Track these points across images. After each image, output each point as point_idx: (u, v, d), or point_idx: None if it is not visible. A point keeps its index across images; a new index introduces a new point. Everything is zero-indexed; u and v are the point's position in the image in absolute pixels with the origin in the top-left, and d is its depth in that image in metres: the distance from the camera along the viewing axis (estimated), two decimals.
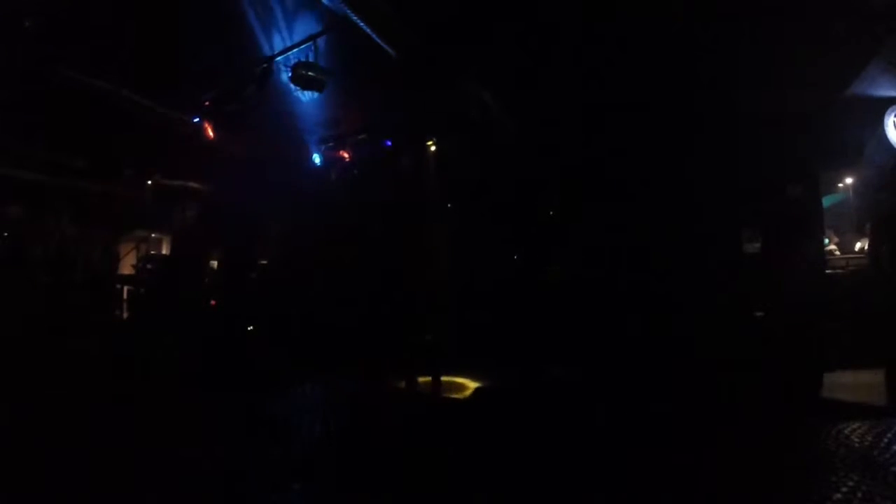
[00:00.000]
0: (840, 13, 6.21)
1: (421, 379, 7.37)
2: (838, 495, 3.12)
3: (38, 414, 5.29)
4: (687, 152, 7.10)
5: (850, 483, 3.27)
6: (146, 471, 3.85)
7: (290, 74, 8.66)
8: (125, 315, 11.40)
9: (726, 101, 6.91)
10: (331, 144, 11.55)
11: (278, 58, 8.95)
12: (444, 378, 7.36)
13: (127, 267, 12.03)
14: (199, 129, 10.48)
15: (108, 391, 6.44)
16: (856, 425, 4.59)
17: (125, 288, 11.60)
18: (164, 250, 14.66)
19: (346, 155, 11.24)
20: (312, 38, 8.45)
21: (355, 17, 7.29)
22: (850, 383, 6.06)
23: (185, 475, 3.79)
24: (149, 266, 11.61)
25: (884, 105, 7.14)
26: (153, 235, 14.27)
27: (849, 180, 10.09)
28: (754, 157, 6.96)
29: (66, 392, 6.19)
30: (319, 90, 8.92)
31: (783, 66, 6.62)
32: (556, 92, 7.81)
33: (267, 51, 8.94)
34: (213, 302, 11.16)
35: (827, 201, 9.32)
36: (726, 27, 6.49)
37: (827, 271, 7.52)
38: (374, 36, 7.55)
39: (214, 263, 13.60)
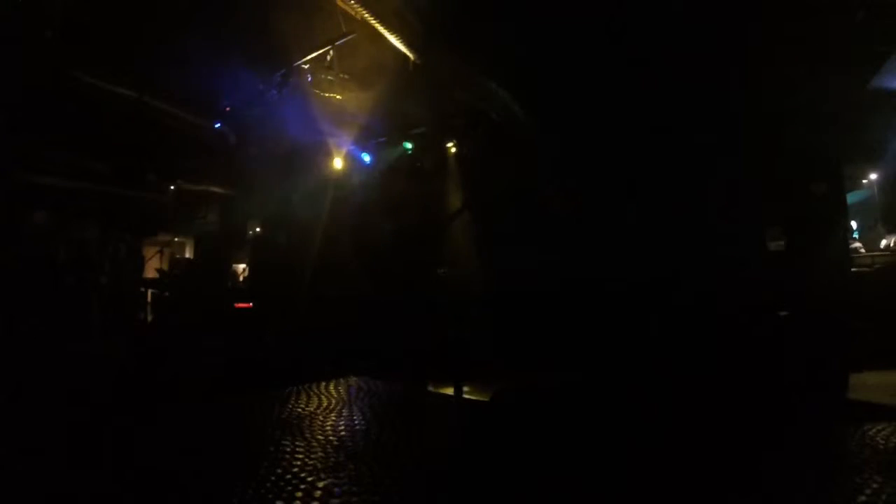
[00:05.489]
0: (860, 6, 6.15)
1: (442, 380, 7.39)
2: (863, 497, 3.09)
3: (59, 415, 5.39)
4: (709, 150, 7.05)
5: (875, 485, 3.24)
6: (169, 472, 3.91)
7: (310, 79, 8.72)
8: (149, 318, 11.55)
9: (748, 99, 6.86)
10: (352, 147, 11.64)
11: (298, 62, 9.01)
12: (465, 378, 7.37)
13: (151, 271, 12.18)
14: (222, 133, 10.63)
15: (133, 394, 6.54)
16: (881, 427, 4.54)
17: (149, 291, 11.75)
18: (188, 254, 14.84)
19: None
20: (332, 41, 8.50)
21: (374, 21, 7.34)
22: (877, 384, 5.99)
23: (207, 474, 3.84)
24: (175, 271, 11.77)
25: None
26: (176, 240, 14.46)
27: (873, 176, 9.95)
28: (777, 155, 6.90)
29: (90, 394, 6.31)
30: (339, 94, 8.99)
31: (805, 61, 6.56)
32: (576, 90, 7.80)
33: (287, 55, 9.00)
34: (237, 305, 11.28)
35: (852, 198, 9.22)
36: (747, 24, 6.44)
37: (852, 269, 7.44)
38: (392, 39, 7.60)
39: (240, 267, 13.78)
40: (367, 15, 7.22)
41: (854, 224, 9.46)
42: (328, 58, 8.68)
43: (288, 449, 4.44)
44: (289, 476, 3.69)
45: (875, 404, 5.27)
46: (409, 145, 11.14)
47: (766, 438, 4.59)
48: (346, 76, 8.96)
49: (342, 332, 9.31)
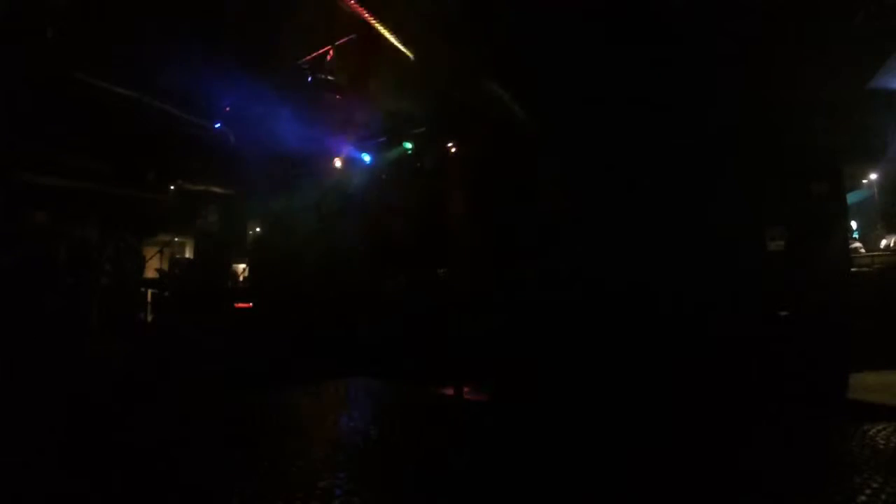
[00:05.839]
0: (860, 5, 6.15)
1: (442, 380, 7.40)
2: (863, 497, 3.09)
3: (59, 416, 5.40)
4: (708, 150, 7.05)
5: (875, 485, 3.24)
6: (170, 471, 3.90)
7: (310, 79, 8.74)
8: (149, 318, 11.55)
9: (748, 99, 6.86)
10: (352, 147, 11.65)
11: (298, 62, 9.02)
12: (465, 378, 7.38)
13: (150, 271, 12.16)
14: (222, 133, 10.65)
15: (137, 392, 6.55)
16: (881, 426, 4.54)
17: (150, 291, 11.75)
18: (188, 254, 14.84)
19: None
20: (332, 42, 8.51)
21: (374, 21, 7.35)
22: (877, 384, 5.99)
23: (207, 473, 3.84)
24: (175, 270, 11.76)
25: None
26: (176, 240, 14.45)
27: (873, 176, 9.95)
28: (777, 155, 6.90)
29: (95, 393, 6.31)
30: (339, 93, 8.99)
31: (804, 61, 6.56)
32: (576, 89, 7.80)
33: (287, 55, 9.00)
34: (237, 305, 11.29)
35: (852, 198, 9.21)
36: (745, 24, 6.44)
37: (852, 269, 7.44)
38: (392, 39, 7.61)
39: (240, 267, 13.78)
40: (366, 15, 7.23)
41: (854, 224, 9.46)
42: (328, 58, 8.69)
43: (288, 449, 4.44)
44: (289, 476, 3.69)
45: (875, 404, 5.27)
46: (409, 145, 11.14)
47: (766, 438, 4.59)
48: (346, 76, 8.97)
49: (342, 331, 9.32)
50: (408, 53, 7.87)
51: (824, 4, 6.29)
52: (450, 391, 7.25)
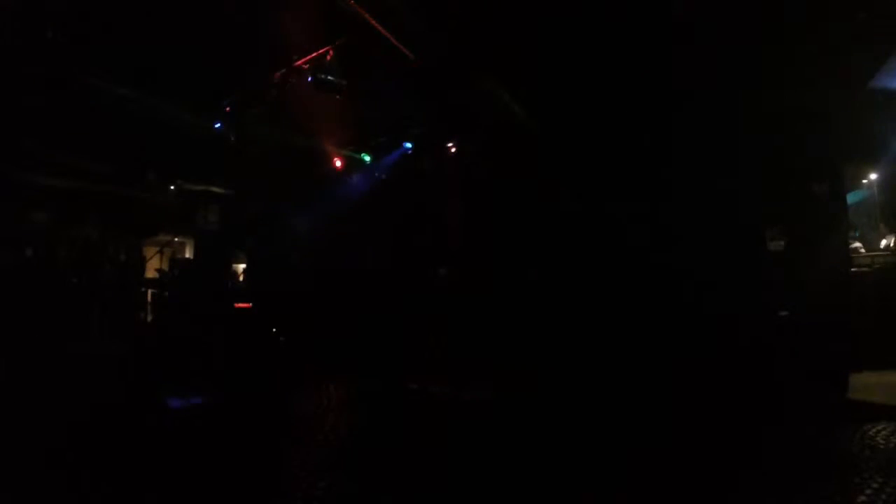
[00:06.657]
0: (860, 7, 6.14)
1: (440, 380, 7.39)
2: (863, 497, 3.09)
3: (63, 415, 5.40)
4: (710, 151, 7.05)
5: (875, 484, 3.24)
6: (170, 471, 3.90)
7: (310, 78, 8.72)
8: (149, 318, 11.54)
9: (749, 100, 6.85)
10: (351, 147, 11.65)
11: (298, 62, 9.00)
12: (463, 379, 7.37)
13: (150, 271, 12.16)
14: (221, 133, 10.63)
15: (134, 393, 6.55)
16: (881, 426, 4.54)
17: (149, 291, 11.73)
18: (188, 254, 14.82)
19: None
20: (332, 42, 8.50)
21: (374, 21, 7.34)
22: (877, 384, 5.98)
23: (207, 474, 3.84)
24: (175, 271, 11.75)
25: None
26: (176, 239, 14.43)
27: (873, 176, 9.94)
28: (777, 155, 6.89)
29: (94, 393, 6.32)
30: (339, 93, 8.97)
31: (804, 62, 6.56)
32: (577, 90, 7.79)
33: (287, 55, 8.99)
34: (237, 305, 11.27)
35: (852, 198, 9.20)
36: (748, 24, 6.44)
37: (852, 269, 7.43)
38: (392, 39, 7.60)
39: (240, 267, 13.76)
40: (366, 15, 7.22)
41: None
42: (328, 58, 8.68)
43: (288, 449, 4.44)
44: (289, 476, 3.69)
45: (875, 404, 5.27)
46: (408, 145, 11.15)
47: (766, 438, 4.59)
48: (345, 77, 8.95)
49: (342, 332, 9.31)
50: (407, 53, 7.86)
51: (824, 5, 6.28)
52: (448, 390, 7.25)
